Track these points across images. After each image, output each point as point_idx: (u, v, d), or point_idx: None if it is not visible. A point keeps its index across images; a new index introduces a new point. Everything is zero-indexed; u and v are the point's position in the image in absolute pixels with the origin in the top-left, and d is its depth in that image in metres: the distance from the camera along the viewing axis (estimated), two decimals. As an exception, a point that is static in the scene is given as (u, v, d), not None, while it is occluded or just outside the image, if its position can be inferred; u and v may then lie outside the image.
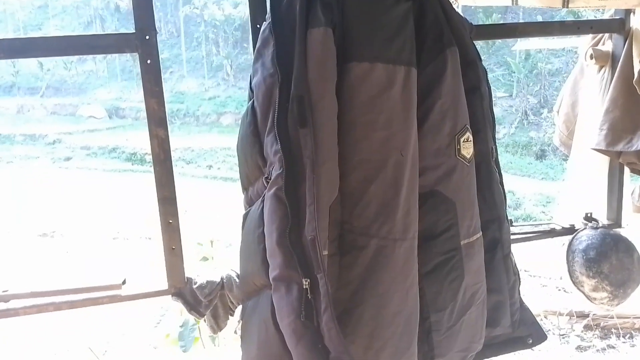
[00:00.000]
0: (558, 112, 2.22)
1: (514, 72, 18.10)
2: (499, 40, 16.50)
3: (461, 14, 1.37)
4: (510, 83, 18.43)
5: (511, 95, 18.24)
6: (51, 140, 21.67)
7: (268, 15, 1.16)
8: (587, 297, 1.88)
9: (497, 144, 1.37)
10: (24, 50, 1.23)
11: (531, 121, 17.35)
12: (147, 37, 1.26)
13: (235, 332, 1.36)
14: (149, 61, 1.27)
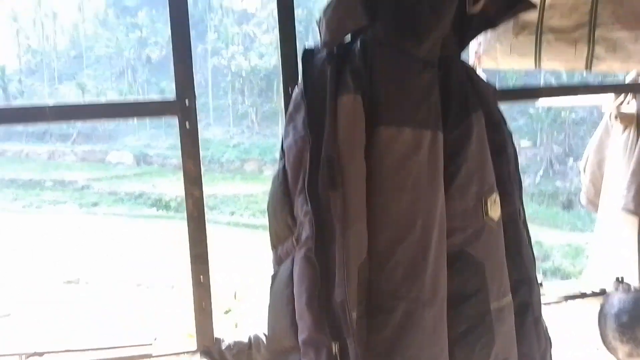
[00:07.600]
0: (584, 170, 2.21)
1: (537, 122, 18.05)
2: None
3: (484, 76, 1.40)
4: (534, 132, 18.34)
5: (535, 144, 18.11)
6: (80, 186, 22.16)
7: (300, 81, 1.22)
8: (622, 363, 1.81)
9: (524, 205, 1.36)
10: (77, 115, 1.33)
11: (557, 170, 17.14)
12: (187, 103, 1.34)
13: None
14: (187, 124, 1.34)
